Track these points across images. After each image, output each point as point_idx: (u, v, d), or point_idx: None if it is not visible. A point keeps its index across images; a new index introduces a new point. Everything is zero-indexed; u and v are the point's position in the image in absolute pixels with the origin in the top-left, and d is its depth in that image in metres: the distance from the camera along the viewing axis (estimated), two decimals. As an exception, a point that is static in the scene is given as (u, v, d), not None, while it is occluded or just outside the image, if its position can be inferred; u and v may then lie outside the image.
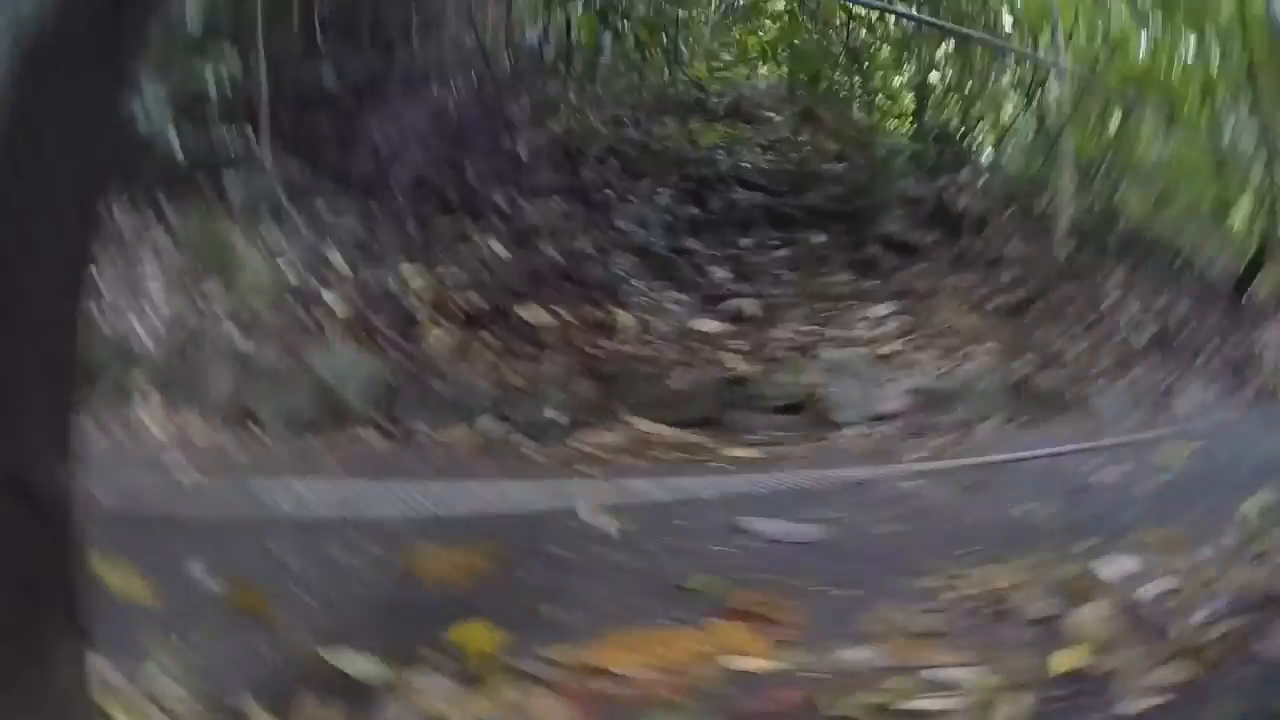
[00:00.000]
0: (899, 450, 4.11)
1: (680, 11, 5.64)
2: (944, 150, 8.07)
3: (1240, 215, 11.88)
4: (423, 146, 5.47)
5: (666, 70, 6.86)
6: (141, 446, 3.56)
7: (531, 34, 6.34)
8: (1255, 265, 9.16)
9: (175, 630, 1.66)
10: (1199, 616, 1.84)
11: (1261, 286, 9.76)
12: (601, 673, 1.53)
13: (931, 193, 7.54)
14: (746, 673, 1.57)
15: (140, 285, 4.60)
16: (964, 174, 7.80)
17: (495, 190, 5.84)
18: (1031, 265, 7.16)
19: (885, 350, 5.21)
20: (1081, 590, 2.06)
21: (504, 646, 1.67)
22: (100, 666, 1.31)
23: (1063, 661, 1.65)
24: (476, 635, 1.66)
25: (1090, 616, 1.86)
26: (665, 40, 5.91)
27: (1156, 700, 1.49)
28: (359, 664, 1.53)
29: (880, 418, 4.70)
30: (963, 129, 8.31)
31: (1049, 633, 1.85)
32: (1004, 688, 1.54)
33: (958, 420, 4.90)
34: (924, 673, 1.63)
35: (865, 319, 5.56)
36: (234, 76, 5.22)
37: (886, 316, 5.68)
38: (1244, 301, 9.13)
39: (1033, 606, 1.98)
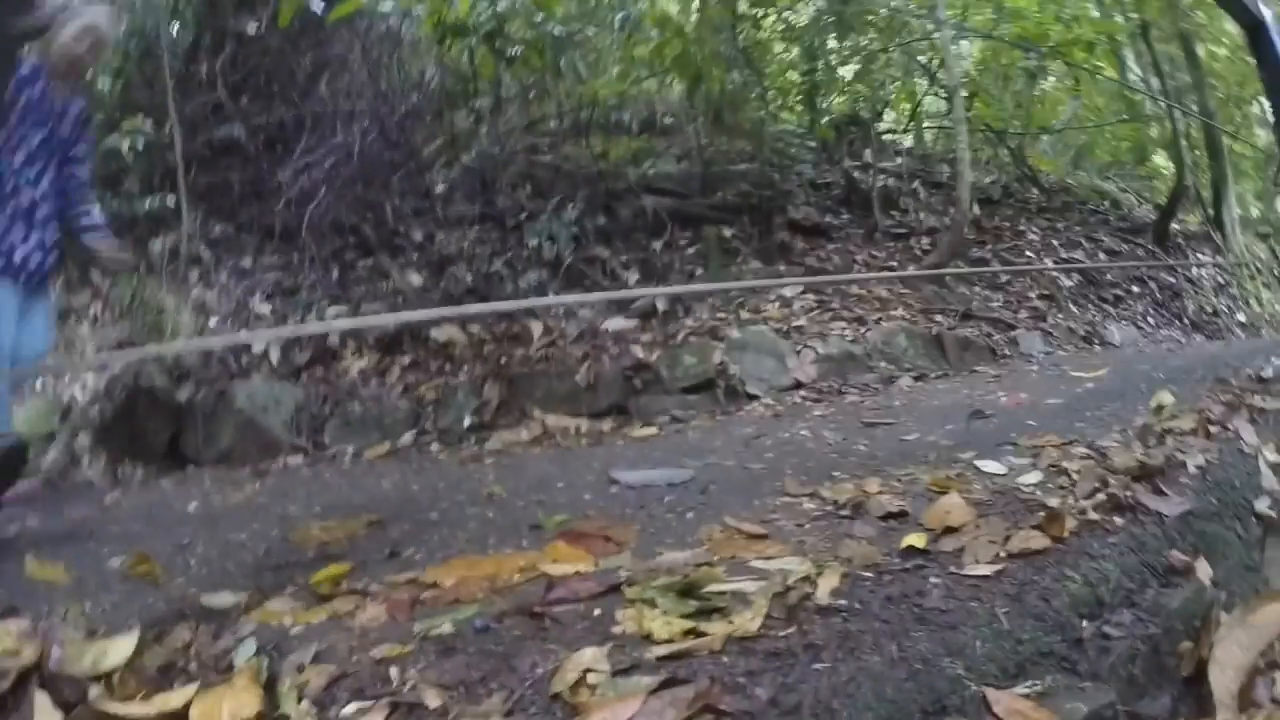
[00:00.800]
0: (808, 412, 4.31)
1: (568, 31, 5.86)
2: (848, 135, 8.35)
3: (1157, 162, 12.26)
4: (337, 191, 5.68)
5: (568, 93, 7.09)
6: (84, 492, 3.78)
7: (431, 70, 6.57)
8: (1170, 209, 9.54)
9: (82, 595, 1.93)
10: (1069, 497, 2.01)
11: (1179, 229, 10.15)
12: (430, 587, 1.75)
13: (839, 176, 7.81)
14: (561, 576, 1.73)
15: (79, 351, 4.83)
16: (869, 155, 8.05)
17: (412, 225, 6.07)
18: (943, 233, 7.43)
19: (795, 324, 5.43)
20: (946, 487, 2.19)
21: (353, 578, 1.90)
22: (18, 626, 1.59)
23: (910, 541, 1.76)
24: (332, 573, 1.90)
25: (949, 505, 1.95)
26: (562, 63, 6.14)
27: (1000, 566, 1.62)
28: (224, 598, 1.77)
29: (793, 386, 4.93)
30: (866, 113, 8.58)
31: (904, 524, 1.96)
32: (828, 568, 1.62)
33: (872, 379, 5.15)
34: (745, 563, 1.73)
35: (776, 300, 5.79)
36: (150, 145, 5.45)
37: (797, 295, 5.90)
38: (1167, 241, 9.49)
39: (892, 505, 2.09)
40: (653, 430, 4.10)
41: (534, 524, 2.29)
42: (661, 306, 5.38)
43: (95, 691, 1.34)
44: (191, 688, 1.34)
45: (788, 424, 3.92)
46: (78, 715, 1.28)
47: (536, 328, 4.94)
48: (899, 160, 8.89)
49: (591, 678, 1.24)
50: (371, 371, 4.57)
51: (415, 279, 5.44)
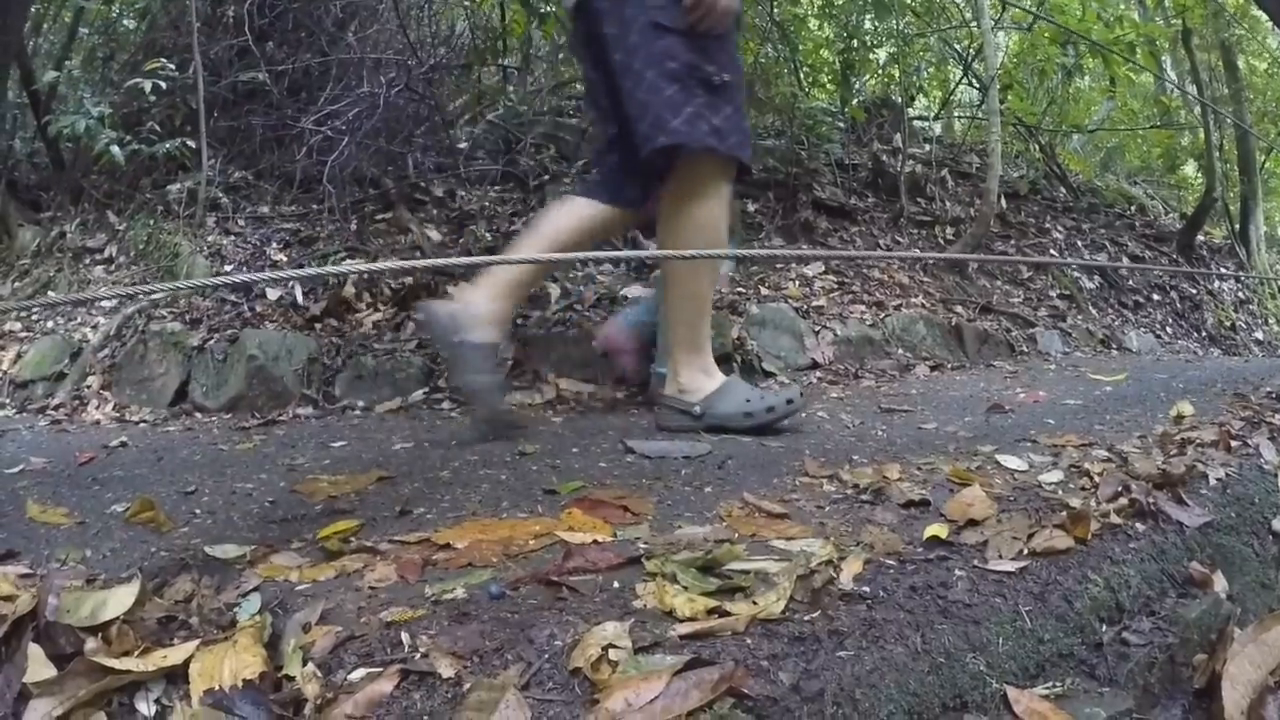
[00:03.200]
0: (825, 393, 4.27)
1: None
2: (878, 118, 8.25)
3: (1187, 172, 12.14)
4: (360, 142, 5.63)
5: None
6: (90, 431, 3.75)
7: (462, 24, 6.49)
8: (1197, 220, 9.43)
9: (83, 541, 1.89)
10: (1091, 499, 1.99)
11: (1206, 240, 10.04)
12: (442, 548, 1.71)
13: (867, 159, 7.72)
14: (578, 544, 1.69)
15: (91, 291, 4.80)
16: (899, 140, 7.95)
17: (434, 181, 6.01)
18: (968, 224, 7.35)
19: (815, 304, 5.37)
20: (968, 480, 2.17)
21: (361, 534, 1.87)
22: (15, 571, 1.56)
23: (933, 531, 1.74)
24: (340, 528, 1.86)
25: (972, 497, 1.93)
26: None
27: (1024, 563, 1.60)
28: (229, 550, 1.73)
29: (810, 366, 4.89)
30: (897, 97, 8.49)
31: (925, 514, 1.93)
32: (851, 553, 1.60)
33: (889, 365, 5.10)
34: (765, 543, 1.70)
35: (797, 278, 5.73)
36: (172, 87, 5.40)
37: (818, 275, 5.85)
38: (1191, 253, 9.39)
39: (913, 493, 2.06)
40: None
41: (549, 489, 2.25)
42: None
43: (92, 644, 1.30)
44: (192, 644, 1.30)
45: (804, 403, 3.88)
46: (73, 669, 1.23)
47: (554, 289, 4.88)
48: (928, 148, 8.78)
49: (613, 654, 1.19)
50: (386, 326, 4.52)
51: (434, 234, 5.38)
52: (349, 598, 1.47)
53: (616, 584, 1.50)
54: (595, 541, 1.74)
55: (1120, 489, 2.05)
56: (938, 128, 10.15)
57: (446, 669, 1.18)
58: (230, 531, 1.96)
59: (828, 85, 8.34)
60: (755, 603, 1.37)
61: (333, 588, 1.53)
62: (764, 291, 5.46)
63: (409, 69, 5.85)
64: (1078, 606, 1.57)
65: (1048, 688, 1.41)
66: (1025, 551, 1.68)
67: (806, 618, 1.36)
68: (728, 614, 1.33)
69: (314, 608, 1.40)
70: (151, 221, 5.28)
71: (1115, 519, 1.87)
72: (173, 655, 1.27)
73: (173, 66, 5.38)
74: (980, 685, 1.36)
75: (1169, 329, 8.20)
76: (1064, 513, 1.85)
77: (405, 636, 1.28)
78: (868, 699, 1.23)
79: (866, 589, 1.48)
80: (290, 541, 1.84)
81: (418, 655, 1.23)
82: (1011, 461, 2.43)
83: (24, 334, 4.84)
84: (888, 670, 1.29)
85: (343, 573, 1.60)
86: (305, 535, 1.88)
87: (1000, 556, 1.66)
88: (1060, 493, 2.08)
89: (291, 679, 1.23)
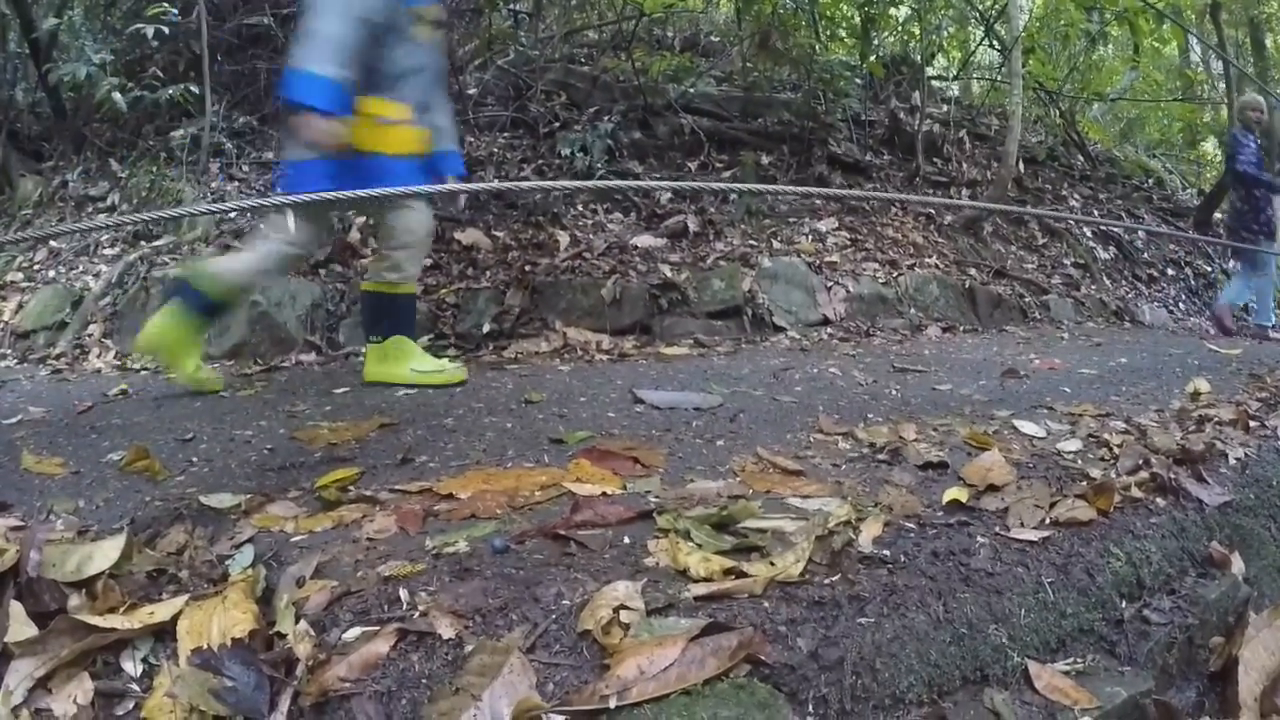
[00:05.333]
0: (836, 350, 4.22)
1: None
2: (896, 75, 8.09)
3: (1206, 148, 11.95)
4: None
5: (611, 4, 6.84)
6: (91, 380, 3.69)
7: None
8: (1215, 197, 9.26)
9: (77, 491, 1.83)
10: (1111, 471, 1.94)
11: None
12: (444, 498, 1.65)
13: (884, 116, 7.58)
14: (586, 496, 1.64)
15: (92, 240, 4.71)
16: (917, 98, 7.81)
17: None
18: (984, 187, 7.23)
19: (828, 260, 5.29)
20: (985, 444, 2.12)
21: (361, 484, 1.80)
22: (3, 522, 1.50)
23: (953, 495, 1.70)
24: (338, 477, 1.79)
25: (990, 462, 1.89)
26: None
27: (1047, 533, 1.56)
28: (224, 499, 1.66)
29: (821, 322, 4.82)
30: (917, 55, 8.32)
31: (943, 476, 1.89)
32: (870, 514, 1.56)
33: (900, 324, 5.03)
34: (781, 500, 1.66)
35: (810, 233, 5.64)
36: (176, 32, 5.27)
37: (831, 231, 5.76)
38: (1208, 229, 9.23)
39: (930, 454, 2.02)
40: (681, 350, 3.99)
41: (555, 438, 2.19)
42: (693, 227, 5.23)
43: (76, 600, 1.24)
44: (180, 599, 1.23)
45: (816, 359, 3.84)
46: (55, 626, 1.17)
47: (564, 238, 4.80)
48: (946, 108, 8.62)
49: (624, 615, 1.13)
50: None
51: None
52: (346, 550, 1.40)
53: (627, 539, 1.44)
54: (604, 494, 1.69)
55: (1140, 462, 2.01)
56: (956, 88, 9.97)
57: (447, 629, 1.12)
58: (227, 480, 1.89)
59: (846, 40, 8.16)
60: (773, 563, 1.31)
61: (329, 539, 1.46)
62: (776, 245, 5.37)
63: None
64: (1099, 581, 1.53)
65: (1069, 664, 1.37)
66: (1047, 521, 1.63)
67: (826, 581, 1.30)
68: (744, 575, 1.27)
69: (309, 561, 1.34)
70: (154, 168, 5.18)
71: (1136, 492, 1.82)
72: (160, 611, 1.21)
73: (175, 11, 5.25)
74: (1002, 658, 1.31)
75: (1181, 305, 8.10)
76: (1085, 483, 1.81)
77: (404, 593, 1.22)
78: (888, 669, 1.18)
79: (887, 552, 1.42)
80: (287, 490, 1.77)
81: (416, 614, 1.17)
82: (1028, 428, 2.38)
83: (26, 284, 4.76)
84: (909, 639, 1.23)
85: (340, 523, 1.54)
86: (303, 484, 1.82)
87: (1022, 525, 1.61)
88: (1080, 462, 2.03)
89: (283, 637, 1.16)
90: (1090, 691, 1.29)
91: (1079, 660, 1.39)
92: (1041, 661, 1.33)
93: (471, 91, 6.16)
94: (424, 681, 1.07)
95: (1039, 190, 8.10)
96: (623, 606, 1.14)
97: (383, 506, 1.61)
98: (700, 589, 1.22)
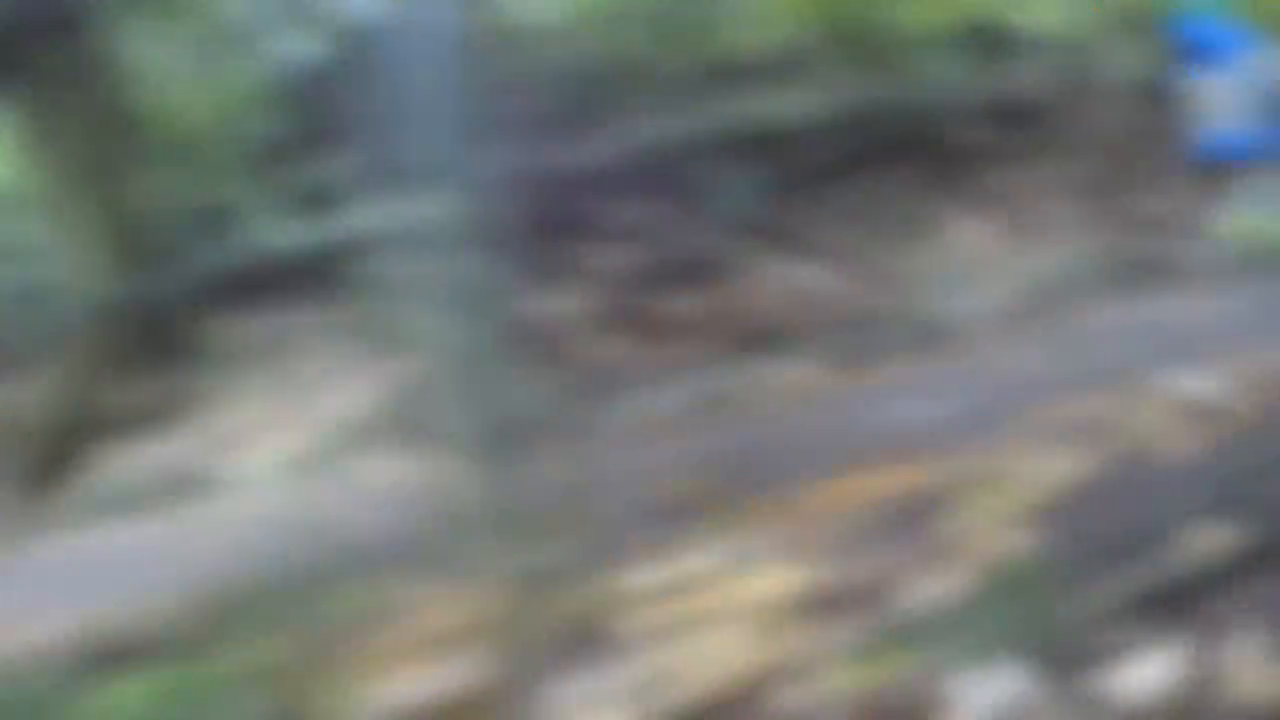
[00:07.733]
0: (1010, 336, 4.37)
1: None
2: (991, 42, 7.82)
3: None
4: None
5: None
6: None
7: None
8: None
9: None
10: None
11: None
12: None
13: (984, 89, 7.38)
14: None
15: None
16: (1013, 65, 7.64)
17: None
18: (1105, 147, 7.02)
19: (979, 253, 5.40)
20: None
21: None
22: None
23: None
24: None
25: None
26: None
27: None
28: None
29: (987, 313, 4.93)
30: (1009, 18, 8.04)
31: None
32: None
33: (1064, 300, 5.08)
34: None
35: (951, 230, 5.76)
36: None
37: (973, 223, 5.85)
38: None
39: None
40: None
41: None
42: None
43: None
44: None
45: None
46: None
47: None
48: (1043, 66, 8.39)
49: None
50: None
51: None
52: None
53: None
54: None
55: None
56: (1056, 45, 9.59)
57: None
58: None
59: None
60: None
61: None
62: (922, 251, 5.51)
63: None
64: None
65: None
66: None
67: None
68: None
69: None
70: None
71: None
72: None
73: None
74: None
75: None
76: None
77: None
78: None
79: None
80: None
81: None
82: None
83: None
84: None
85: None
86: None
87: None
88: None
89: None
90: None
91: None
92: None
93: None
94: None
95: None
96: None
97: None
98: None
